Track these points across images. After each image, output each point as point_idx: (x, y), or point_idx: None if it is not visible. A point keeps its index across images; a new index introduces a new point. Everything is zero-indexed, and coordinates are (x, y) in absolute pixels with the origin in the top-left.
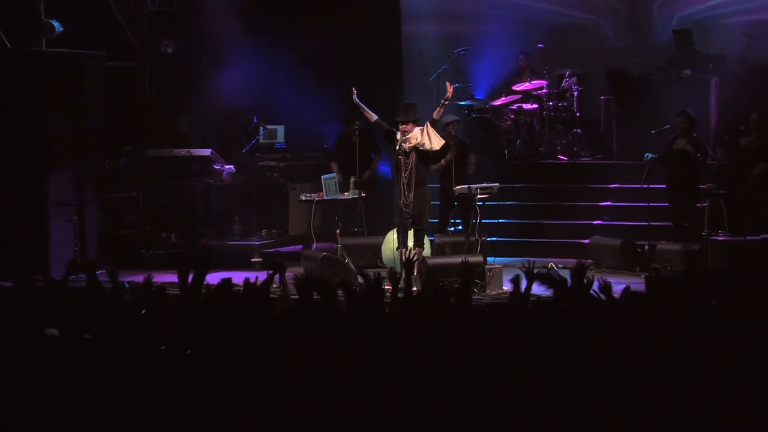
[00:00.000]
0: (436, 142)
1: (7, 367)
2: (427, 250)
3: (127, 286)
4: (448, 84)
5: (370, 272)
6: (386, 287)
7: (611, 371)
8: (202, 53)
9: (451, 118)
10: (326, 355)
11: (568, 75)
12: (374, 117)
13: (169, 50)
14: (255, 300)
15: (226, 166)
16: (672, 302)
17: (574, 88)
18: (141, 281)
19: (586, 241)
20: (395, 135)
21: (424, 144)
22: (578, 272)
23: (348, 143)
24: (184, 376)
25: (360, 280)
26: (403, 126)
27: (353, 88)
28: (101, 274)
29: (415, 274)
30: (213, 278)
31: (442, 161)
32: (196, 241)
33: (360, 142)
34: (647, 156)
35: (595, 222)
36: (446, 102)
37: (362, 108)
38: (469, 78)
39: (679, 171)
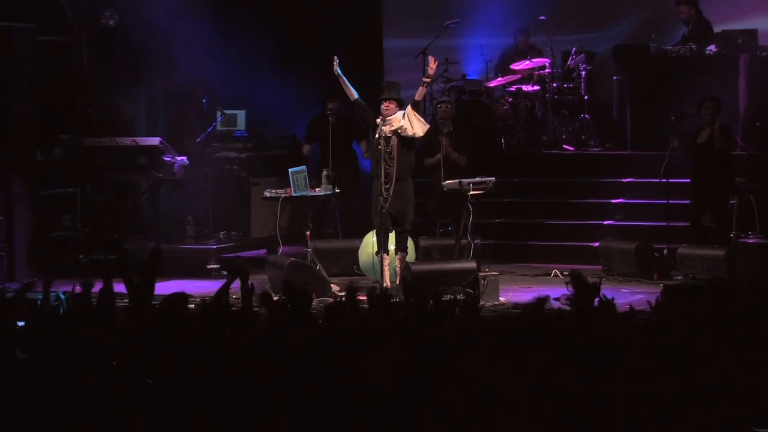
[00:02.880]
0: (419, 127)
1: None
2: (411, 255)
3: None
4: (431, 59)
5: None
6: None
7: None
8: (149, 26)
9: (441, 99)
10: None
11: (575, 52)
12: (355, 95)
13: (111, 23)
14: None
15: (178, 158)
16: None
17: (581, 67)
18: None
19: (596, 244)
20: (376, 119)
21: (406, 129)
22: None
23: (323, 127)
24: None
25: (335, 290)
26: (385, 104)
27: (335, 57)
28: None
29: (397, 282)
30: (164, 287)
31: (438, 155)
32: (142, 245)
33: (335, 126)
34: (672, 142)
35: (605, 222)
36: (428, 80)
37: (343, 81)
38: (460, 55)
39: (706, 164)
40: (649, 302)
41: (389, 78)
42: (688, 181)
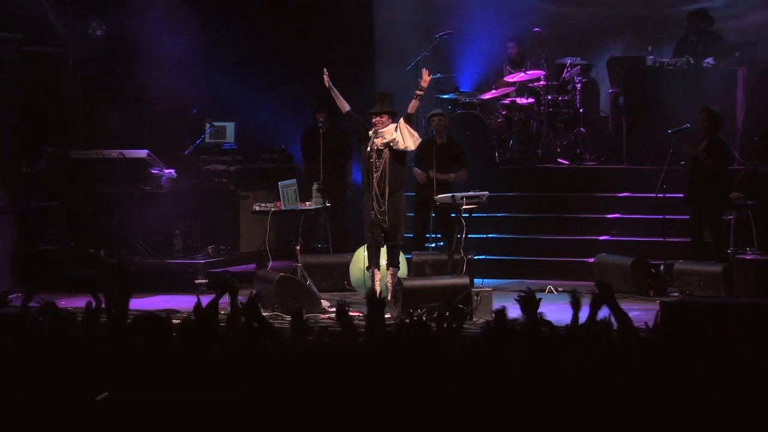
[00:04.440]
0: (411, 141)
1: None
2: (403, 270)
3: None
4: (424, 72)
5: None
6: (354, 313)
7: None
8: (136, 37)
9: (435, 111)
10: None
11: (570, 64)
12: (347, 107)
13: (98, 33)
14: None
15: (166, 171)
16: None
17: (577, 79)
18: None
19: (591, 259)
20: (368, 132)
21: (398, 143)
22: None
23: (314, 140)
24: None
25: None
26: (377, 119)
27: (325, 70)
28: (15, 298)
29: (389, 298)
30: (151, 303)
31: (452, 175)
32: (126, 259)
33: (326, 138)
34: (685, 125)
35: (601, 237)
36: (421, 93)
37: (335, 94)
38: (453, 67)
39: (701, 178)
40: (646, 323)
41: (382, 89)
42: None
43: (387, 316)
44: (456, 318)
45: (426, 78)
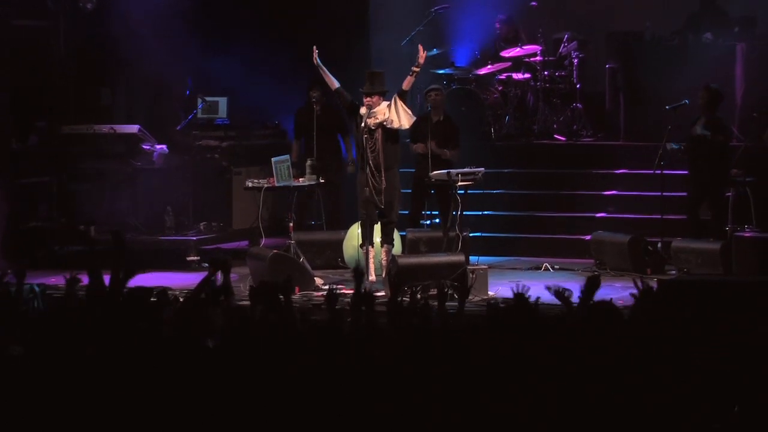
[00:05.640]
0: (405, 119)
1: None
2: (397, 248)
3: (37, 289)
4: (420, 48)
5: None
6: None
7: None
8: (128, 11)
9: (432, 86)
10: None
11: (567, 39)
12: (336, 84)
13: (89, 6)
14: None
15: (157, 146)
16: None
17: (573, 54)
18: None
19: (588, 237)
20: (358, 109)
21: (392, 121)
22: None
23: (308, 116)
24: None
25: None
26: (368, 99)
27: (314, 47)
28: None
29: (383, 275)
30: (143, 280)
31: (446, 152)
32: (119, 236)
33: (320, 115)
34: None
35: (598, 215)
36: (417, 69)
37: (323, 71)
38: (448, 42)
39: (702, 156)
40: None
41: (377, 67)
42: (684, 172)
43: (380, 294)
44: (459, 295)
45: (422, 54)
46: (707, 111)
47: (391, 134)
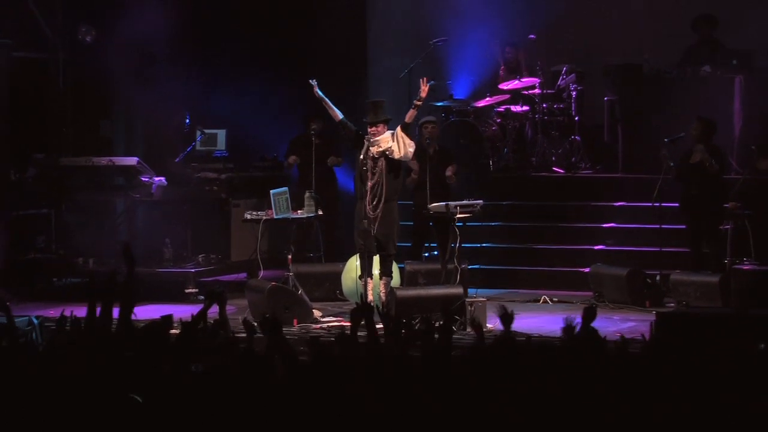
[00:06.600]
0: (407, 149)
1: None
2: (396, 280)
3: (35, 321)
4: (422, 81)
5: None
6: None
7: None
8: (127, 43)
9: (427, 118)
10: None
11: (566, 72)
12: (340, 116)
13: (89, 39)
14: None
15: (156, 178)
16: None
17: (572, 87)
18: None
19: (586, 269)
20: (363, 139)
21: (393, 152)
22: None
23: (305, 147)
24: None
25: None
26: (373, 128)
27: (311, 80)
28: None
29: (381, 308)
30: (141, 312)
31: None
32: (116, 268)
33: (318, 147)
34: (680, 134)
35: (596, 247)
36: (420, 103)
37: (326, 103)
38: (447, 74)
39: (697, 186)
40: (643, 335)
41: (375, 96)
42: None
43: (379, 326)
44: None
45: (424, 88)
46: (700, 141)
47: (394, 166)
